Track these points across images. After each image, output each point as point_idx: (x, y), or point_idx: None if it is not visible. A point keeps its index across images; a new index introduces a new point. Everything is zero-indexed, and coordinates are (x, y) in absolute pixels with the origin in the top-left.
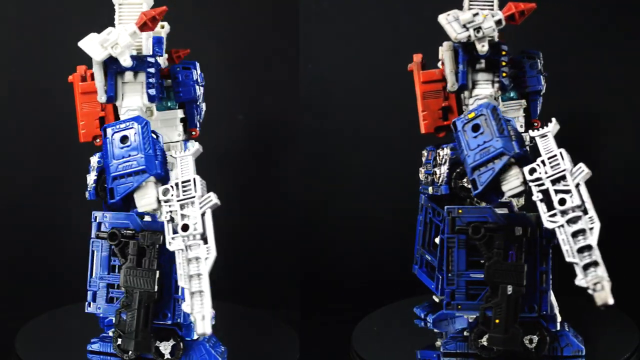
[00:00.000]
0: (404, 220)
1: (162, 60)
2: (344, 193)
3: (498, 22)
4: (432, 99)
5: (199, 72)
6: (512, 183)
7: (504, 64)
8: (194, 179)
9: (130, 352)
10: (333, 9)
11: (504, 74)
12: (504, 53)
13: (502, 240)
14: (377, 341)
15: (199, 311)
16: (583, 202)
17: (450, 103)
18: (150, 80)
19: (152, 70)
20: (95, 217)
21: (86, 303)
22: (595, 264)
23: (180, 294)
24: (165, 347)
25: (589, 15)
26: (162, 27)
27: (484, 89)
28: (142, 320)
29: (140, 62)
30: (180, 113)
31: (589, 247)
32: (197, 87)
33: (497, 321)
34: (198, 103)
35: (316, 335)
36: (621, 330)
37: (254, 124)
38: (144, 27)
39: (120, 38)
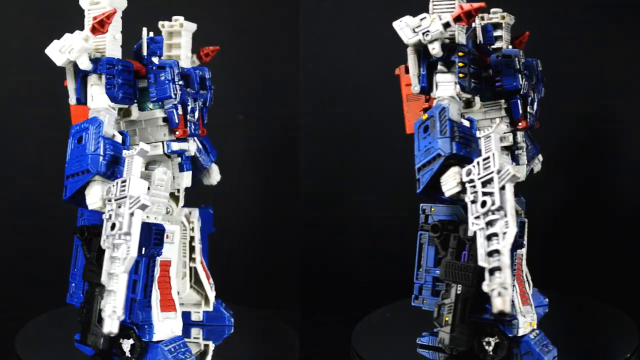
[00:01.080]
0: (404, 220)
1: (157, 60)
2: (345, 193)
3: (445, 25)
4: (414, 101)
5: (176, 71)
6: (449, 184)
7: (461, 64)
8: (129, 179)
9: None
10: (333, 9)
11: (461, 75)
12: (461, 54)
13: (456, 240)
14: (377, 341)
15: (108, 310)
16: (502, 205)
17: (430, 104)
18: (110, 81)
19: (111, 71)
20: (423, 209)
21: (412, 296)
22: (499, 269)
23: (136, 293)
24: (126, 346)
25: (605, 15)
26: (163, 25)
27: (445, 91)
28: (460, 315)
29: (97, 64)
30: (159, 113)
31: (497, 252)
32: (172, 86)
33: (446, 319)
34: (175, 103)
35: (316, 335)
36: (621, 330)
37: (254, 124)
38: (457, 20)
39: (74, 43)
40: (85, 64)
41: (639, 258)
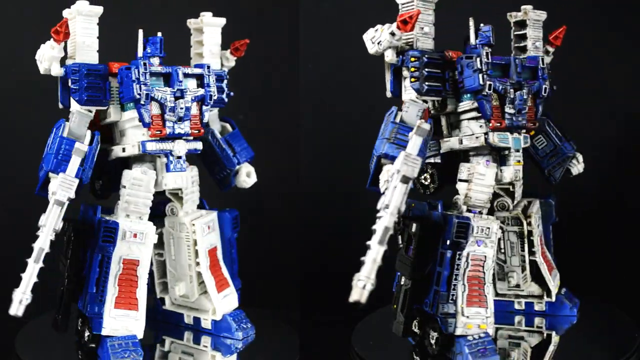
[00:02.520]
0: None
1: (157, 60)
2: (345, 192)
3: (392, 34)
4: None
5: (142, 70)
6: (380, 181)
7: (412, 69)
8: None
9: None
10: (333, 9)
11: (412, 79)
12: (413, 59)
13: (406, 234)
14: (377, 341)
15: (17, 294)
16: (388, 203)
17: None
18: (74, 85)
19: (75, 75)
20: (409, 204)
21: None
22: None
23: (91, 287)
24: (87, 334)
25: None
26: (190, 22)
27: (408, 94)
28: (401, 305)
29: (66, 70)
30: (131, 114)
31: (368, 246)
32: (137, 86)
33: (394, 307)
34: (142, 102)
35: (316, 335)
36: (621, 330)
37: (254, 124)
38: (399, 28)
39: (45, 53)
40: (55, 71)
41: (639, 258)
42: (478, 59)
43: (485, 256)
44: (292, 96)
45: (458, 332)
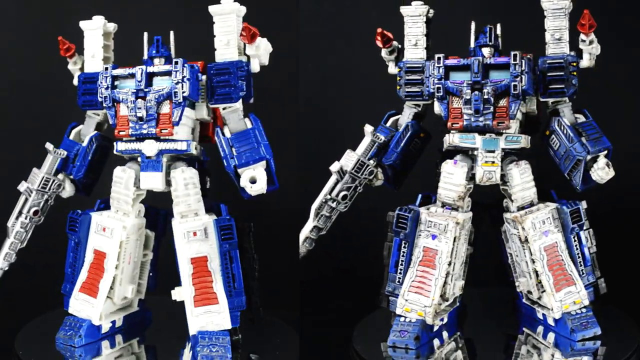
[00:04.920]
0: None
1: (159, 61)
2: None
3: (380, 50)
4: None
5: (105, 75)
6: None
7: (398, 78)
8: None
9: None
10: (333, 9)
11: (398, 87)
12: (398, 70)
13: None
14: (377, 341)
15: None
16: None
17: None
18: (78, 92)
19: (78, 84)
20: None
21: None
22: None
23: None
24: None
25: None
26: (114, 28)
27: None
28: None
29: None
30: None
31: None
32: (100, 90)
33: None
34: (104, 105)
35: (316, 335)
36: (621, 330)
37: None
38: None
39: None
40: (75, 82)
41: (639, 258)
42: (432, 64)
43: (438, 250)
44: (292, 96)
45: (398, 311)
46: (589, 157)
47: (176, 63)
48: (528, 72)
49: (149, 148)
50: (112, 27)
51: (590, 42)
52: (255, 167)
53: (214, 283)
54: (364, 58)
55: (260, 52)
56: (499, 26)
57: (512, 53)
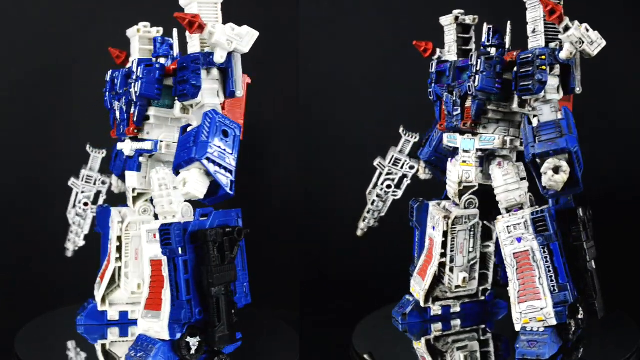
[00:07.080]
0: (404, 219)
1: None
2: (344, 192)
3: None
4: None
5: (106, 79)
6: None
7: None
8: None
9: None
10: (333, 9)
11: None
12: None
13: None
14: (377, 341)
15: None
16: None
17: None
18: None
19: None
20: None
21: None
22: None
23: None
24: None
25: None
26: (158, 31)
27: None
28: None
29: None
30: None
31: None
32: (105, 94)
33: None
34: (108, 108)
35: (316, 335)
36: (621, 330)
37: (254, 124)
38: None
39: None
40: None
41: (639, 258)
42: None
43: (434, 240)
44: (292, 96)
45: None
46: (538, 160)
47: (133, 62)
48: (484, 72)
49: (127, 148)
50: (155, 31)
51: (566, 29)
52: (189, 168)
53: (164, 290)
54: (364, 58)
55: (217, 40)
56: (508, 24)
57: (470, 54)
